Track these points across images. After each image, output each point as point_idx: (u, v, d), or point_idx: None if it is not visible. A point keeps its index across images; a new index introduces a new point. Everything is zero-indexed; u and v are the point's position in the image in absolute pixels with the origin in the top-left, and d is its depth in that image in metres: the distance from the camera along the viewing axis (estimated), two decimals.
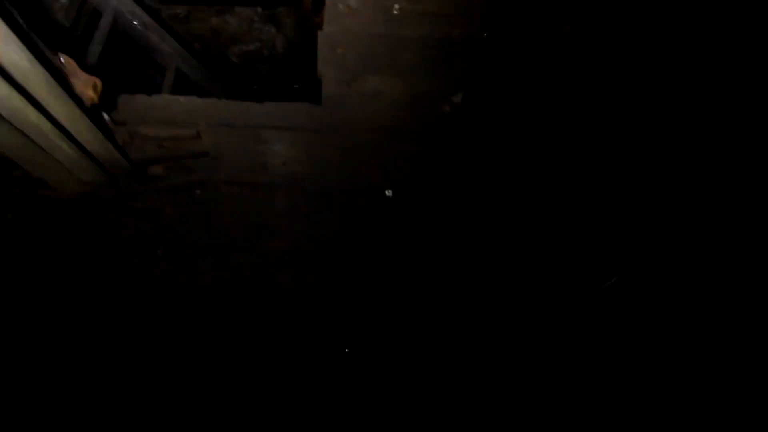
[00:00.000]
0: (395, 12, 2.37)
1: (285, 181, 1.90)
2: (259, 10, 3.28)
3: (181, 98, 2.01)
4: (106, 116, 1.85)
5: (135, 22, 2.55)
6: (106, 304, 1.64)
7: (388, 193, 1.88)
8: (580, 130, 1.92)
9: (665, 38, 1.76)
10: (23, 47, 1.20)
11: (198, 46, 3.77)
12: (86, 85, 1.56)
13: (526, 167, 2.02)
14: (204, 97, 1.97)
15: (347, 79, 2.12)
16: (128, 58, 3.83)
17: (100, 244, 1.71)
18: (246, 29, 3.47)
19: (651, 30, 1.76)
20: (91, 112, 1.59)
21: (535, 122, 1.96)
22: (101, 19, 2.44)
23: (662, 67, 1.80)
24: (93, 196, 1.72)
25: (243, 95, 2.07)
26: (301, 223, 1.83)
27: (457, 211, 1.97)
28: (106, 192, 1.73)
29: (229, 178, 1.87)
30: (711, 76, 1.78)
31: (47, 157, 1.51)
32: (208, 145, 1.93)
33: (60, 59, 1.57)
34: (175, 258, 1.71)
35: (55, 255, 1.69)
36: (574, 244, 1.87)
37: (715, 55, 1.75)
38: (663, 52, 1.78)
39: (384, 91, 2.08)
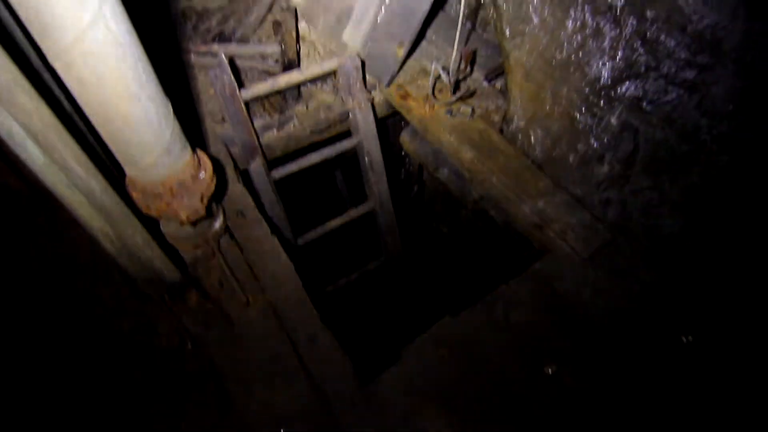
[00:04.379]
0: (549, 371, 1.71)
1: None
2: None
3: (283, 257, 1.90)
4: (219, 221, 1.86)
5: (366, 158, 2.60)
6: None
7: None
8: None
9: None
10: (98, 175, 1.23)
11: (439, 198, 3.82)
12: (184, 208, 1.54)
13: None
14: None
15: (405, 411, 1.60)
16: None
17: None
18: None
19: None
20: (154, 226, 1.60)
21: None
22: (346, 140, 2.55)
23: None
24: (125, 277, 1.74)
25: None
26: None
27: None
28: (143, 285, 1.72)
29: (216, 366, 1.63)
30: None
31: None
32: (246, 319, 1.74)
33: (199, 158, 1.57)
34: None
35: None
36: None
37: None
38: None
39: None
